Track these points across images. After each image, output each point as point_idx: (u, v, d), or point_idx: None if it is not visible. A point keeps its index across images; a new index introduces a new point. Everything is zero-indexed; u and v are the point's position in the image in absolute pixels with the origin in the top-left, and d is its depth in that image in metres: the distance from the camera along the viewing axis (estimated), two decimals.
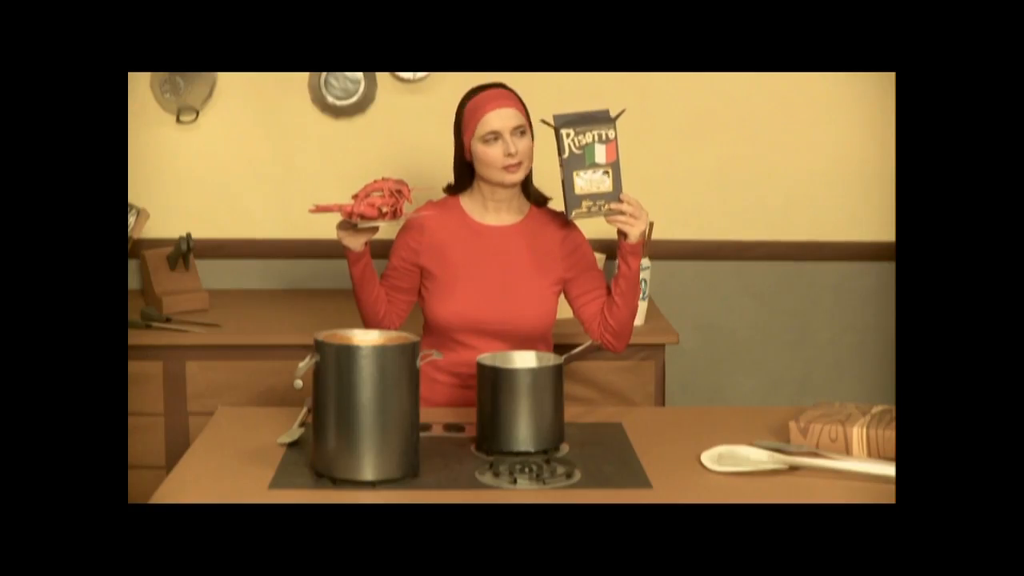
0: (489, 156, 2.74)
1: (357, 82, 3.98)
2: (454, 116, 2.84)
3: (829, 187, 4.09)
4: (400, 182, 2.61)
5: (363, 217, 2.60)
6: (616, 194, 2.66)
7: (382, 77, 3.99)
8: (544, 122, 2.67)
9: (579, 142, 2.64)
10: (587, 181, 2.65)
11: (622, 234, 2.70)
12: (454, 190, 2.88)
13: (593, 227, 3.32)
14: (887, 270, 4.13)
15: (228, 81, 3.97)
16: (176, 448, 3.42)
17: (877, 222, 4.11)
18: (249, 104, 3.99)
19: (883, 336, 4.16)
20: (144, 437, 3.43)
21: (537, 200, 2.88)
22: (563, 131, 2.64)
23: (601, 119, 2.65)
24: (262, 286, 4.06)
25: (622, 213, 2.66)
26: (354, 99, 3.99)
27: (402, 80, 3.98)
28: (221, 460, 2.41)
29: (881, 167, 4.08)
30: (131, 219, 3.79)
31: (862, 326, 4.16)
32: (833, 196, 4.10)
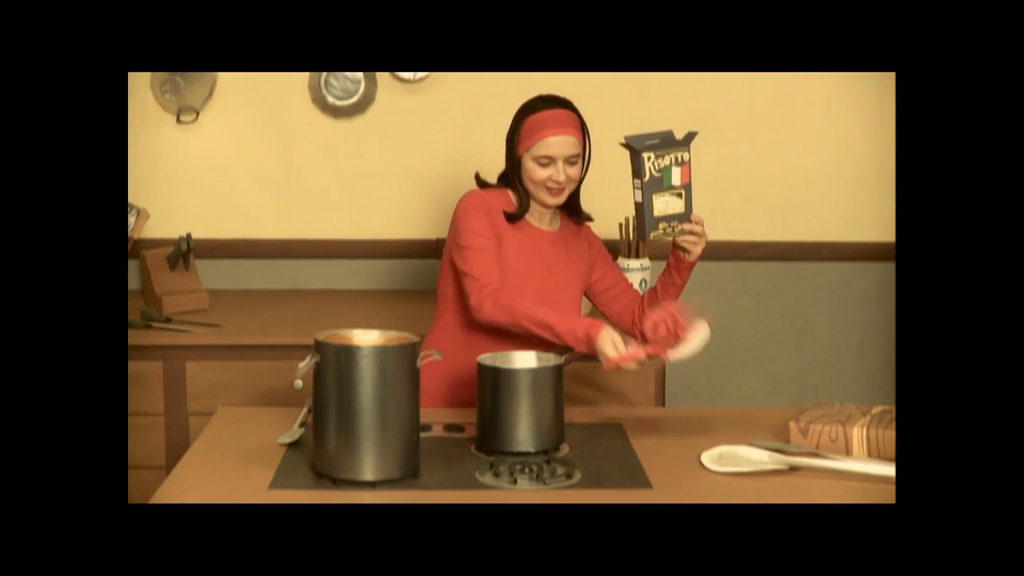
0: (537, 175, 2.76)
1: (357, 82, 3.98)
2: (512, 119, 2.81)
3: (829, 187, 4.09)
4: (674, 312, 2.52)
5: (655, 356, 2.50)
6: (687, 215, 2.70)
7: (382, 77, 3.99)
8: (624, 146, 2.65)
9: (659, 165, 2.65)
10: (664, 203, 2.67)
11: (683, 250, 2.76)
12: (521, 206, 2.81)
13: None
14: (887, 270, 4.13)
15: (228, 81, 3.97)
16: (176, 448, 3.42)
17: (877, 222, 4.11)
18: (249, 104, 3.99)
19: (883, 336, 4.17)
20: (144, 437, 3.43)
21: (574, 216, 2.90)
22: (644, 154, 2.64)
23: (677, 142, 2.67)
24: (262, 286, 4.07)
25: (693, 233, 2.71)
26: (354, 99, 3.99)
27: (402, 80, 3.98)
28: (221, 460, 2.41)
29: (881, 167, 4.08)
30: (131, 219, 3.79)
31: (862, 326, 4.17)
32: (833, 196, 4.10)
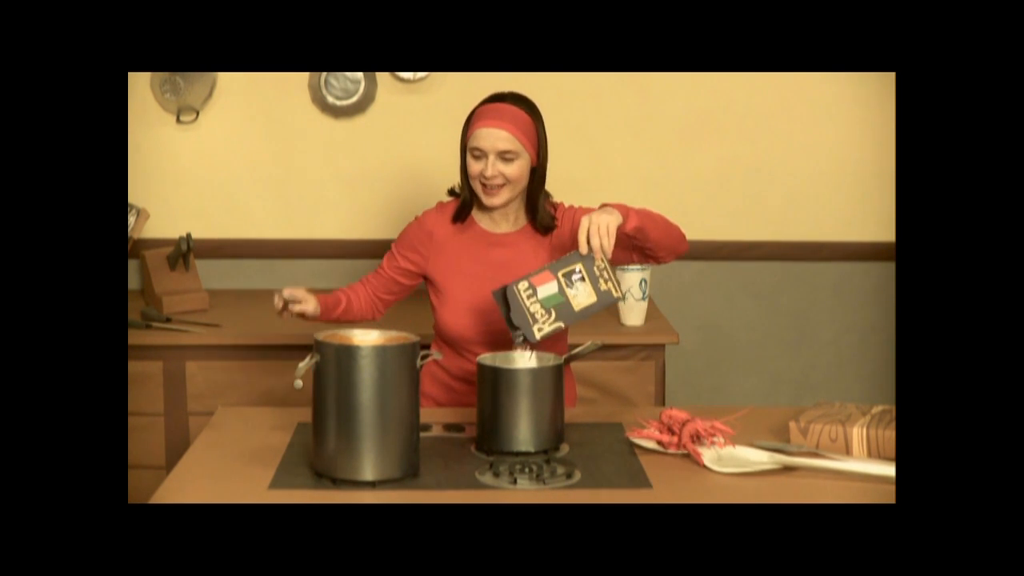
0: (471, 169, 2.72)
1: (357, 82, 3.98)
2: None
3: (829, 187, 4.09)
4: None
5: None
6: (587, 259, 2.49)
7: (382, 77, 3.99)
8: (526, 348, 2.52)
9: (544, 319, 2.48)
10: (583, 293, 2.48)
11: (630, 236, 2.59)
12: (464, 202, 2.79)
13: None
14: (887, 270, 4.13)
15: (228, 81, 3.97)
16: (176, 448, 3.42)
17: (877, 222, 4.11)
18: (249, 104, 3.99)
19: (883, 336, 4.17)
20: (144, 437, 3.43)
21: (542, 227, 2.78)
22: (537, 334, 2.47)
23: (506, 296, 2.49)
24: (262, 286, 4.06)
25: (599, 250, 2.48)
26: (354, 99, 3.99)
27: (402, 80, 3.98)
28: (221, 460, 2.41)
29: (881, 167, 4.09)
30: (131, 219, 3.79)
31: (862, 326, 4.17)
32: (833, 196, 4.10)
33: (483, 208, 2.79)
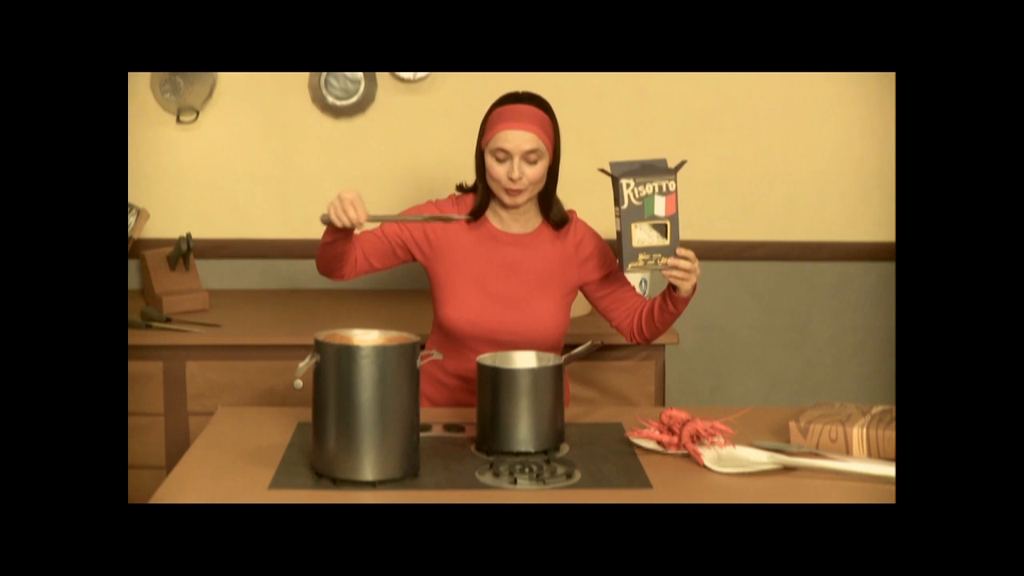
0: (494, 172, 2.71)
1: (357, 82, 3.98)
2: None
3: (829, 187, 4.09)
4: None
5: None
6: (673, 248, 2.57)
7: (382, 77, 3.99)
8: (603, 171, 2.57)
9: (639, 193, 2.53)
10: (645, 234, 2.56)
11: (673, 286, 2.66)
12: (477, 202, 2.80)
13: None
14: (887, 270, 4.13)
15: (228, 81, 3.97)
16: (176, 448, 3.42)
17: (877, 222, 4.11)
18: (249, 104, 3.99)
19: (883, 336, 4.17)
20: (144, 437, 3.43)
21: (555, 222, 2.81)
22: (623, 181, 2.53)
23: (662, 170, 2.55)
24: (262, 286, 4.07)
25: (678, 268, 2.59)
26: (354, 99, 3.99)
27: (402, 80, 3.98)
28: (221, 460, 2.41)
29: (881, 167, 4.08)
30: (131, 219, 3.79)
31: (862, 326, 4.17)
32: (833, 196, 4.10)
33: (495, 206, 2.80)
